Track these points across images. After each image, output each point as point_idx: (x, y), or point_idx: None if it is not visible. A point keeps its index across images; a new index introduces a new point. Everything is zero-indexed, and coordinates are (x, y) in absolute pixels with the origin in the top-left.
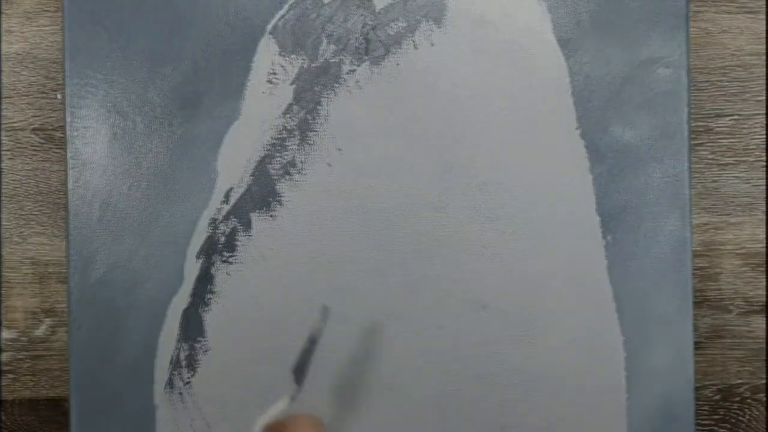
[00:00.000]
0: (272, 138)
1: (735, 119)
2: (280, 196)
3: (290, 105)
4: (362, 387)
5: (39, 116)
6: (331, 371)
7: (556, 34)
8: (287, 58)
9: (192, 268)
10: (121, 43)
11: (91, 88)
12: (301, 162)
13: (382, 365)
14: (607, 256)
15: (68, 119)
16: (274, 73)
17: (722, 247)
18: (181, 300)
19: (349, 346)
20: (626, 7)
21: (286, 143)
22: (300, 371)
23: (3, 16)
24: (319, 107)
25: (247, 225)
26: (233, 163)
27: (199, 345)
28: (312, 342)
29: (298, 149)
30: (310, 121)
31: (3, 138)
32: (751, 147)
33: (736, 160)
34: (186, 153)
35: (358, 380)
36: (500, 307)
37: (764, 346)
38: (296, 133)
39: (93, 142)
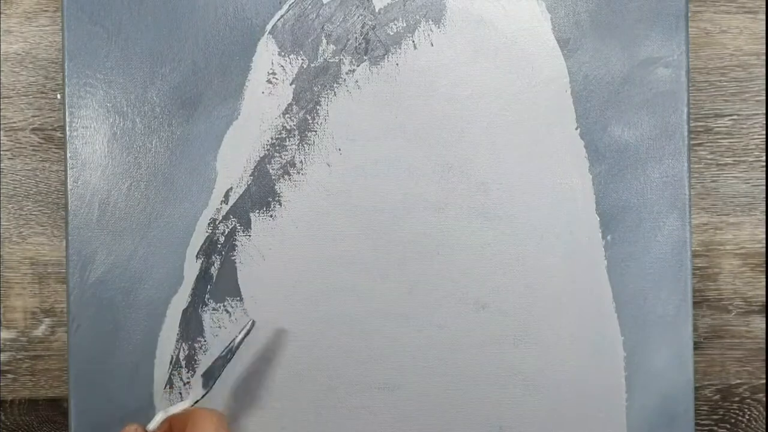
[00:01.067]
0: (272, 138)
1: (734, 119)
2: (280, 196)
3: (290, 105)
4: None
5: (38, 116)
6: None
7: (556, 34)
8: (287, 58)
9: (191, 268)
10: (120, 43)
11: (91, 88)
12: (301, 162)
13: (381, 365)
14: (607, 256)
15: (68, 119)
16: (274, 73)
17: (721, 247)
18: (180, 300)
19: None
20: (625, 7)
21: (286, 143)
22: (210, 377)
23: (2, 16)
24: (318, 107)
25: (247, 225)
26: (233, 163)
27: (199, 345)
28: (230, 352)
29: (297, 149)
30: (310, 121)
31: (3, 138)
32: (750, 147)
33: (735, 160)
34: (185, 153)
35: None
36: (499, 307)
37: (763, 346)
38: (296, 133)
39: (92, 142)
